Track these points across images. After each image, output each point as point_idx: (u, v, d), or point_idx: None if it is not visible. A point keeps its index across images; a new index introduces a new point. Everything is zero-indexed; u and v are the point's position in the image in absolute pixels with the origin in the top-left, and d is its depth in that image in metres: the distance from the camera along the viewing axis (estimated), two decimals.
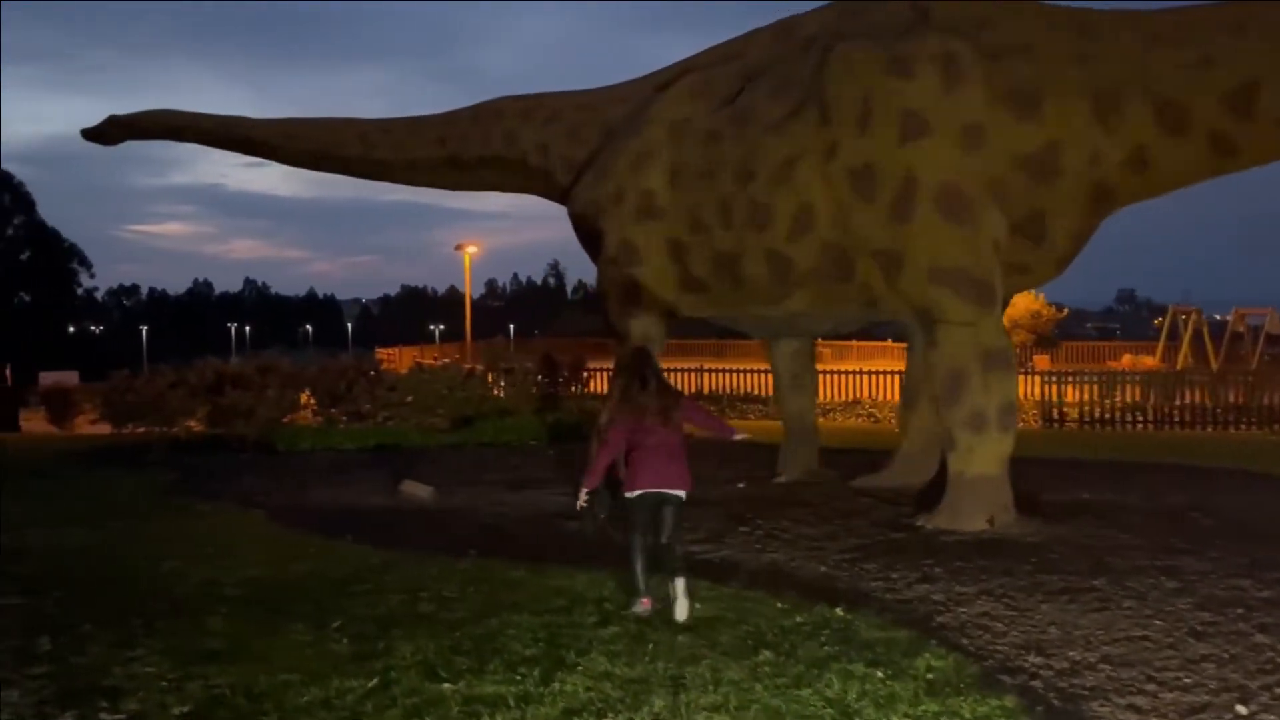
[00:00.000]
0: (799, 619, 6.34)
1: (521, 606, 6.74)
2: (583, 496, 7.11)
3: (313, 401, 19.41)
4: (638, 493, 6.79)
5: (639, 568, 6.72)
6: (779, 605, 6.65)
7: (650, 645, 5.85)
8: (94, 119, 15.64)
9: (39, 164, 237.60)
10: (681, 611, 6.39)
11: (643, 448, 6.77)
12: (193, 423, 19.06)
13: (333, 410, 18.39)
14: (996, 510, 8.84)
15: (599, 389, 20.66)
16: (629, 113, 11.32)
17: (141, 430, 18.51)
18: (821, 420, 22.61)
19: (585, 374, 18.50)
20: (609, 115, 11.62)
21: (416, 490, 11.31)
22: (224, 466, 14.51)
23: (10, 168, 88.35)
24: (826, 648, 5.76)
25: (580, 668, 5.49)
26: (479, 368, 17.60)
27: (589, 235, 11.32)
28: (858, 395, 26.05)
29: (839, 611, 6.46)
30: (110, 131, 14.79)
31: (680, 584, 6.47)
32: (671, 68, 11.53)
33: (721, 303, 10.61)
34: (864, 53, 9.21)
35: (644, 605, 6.59)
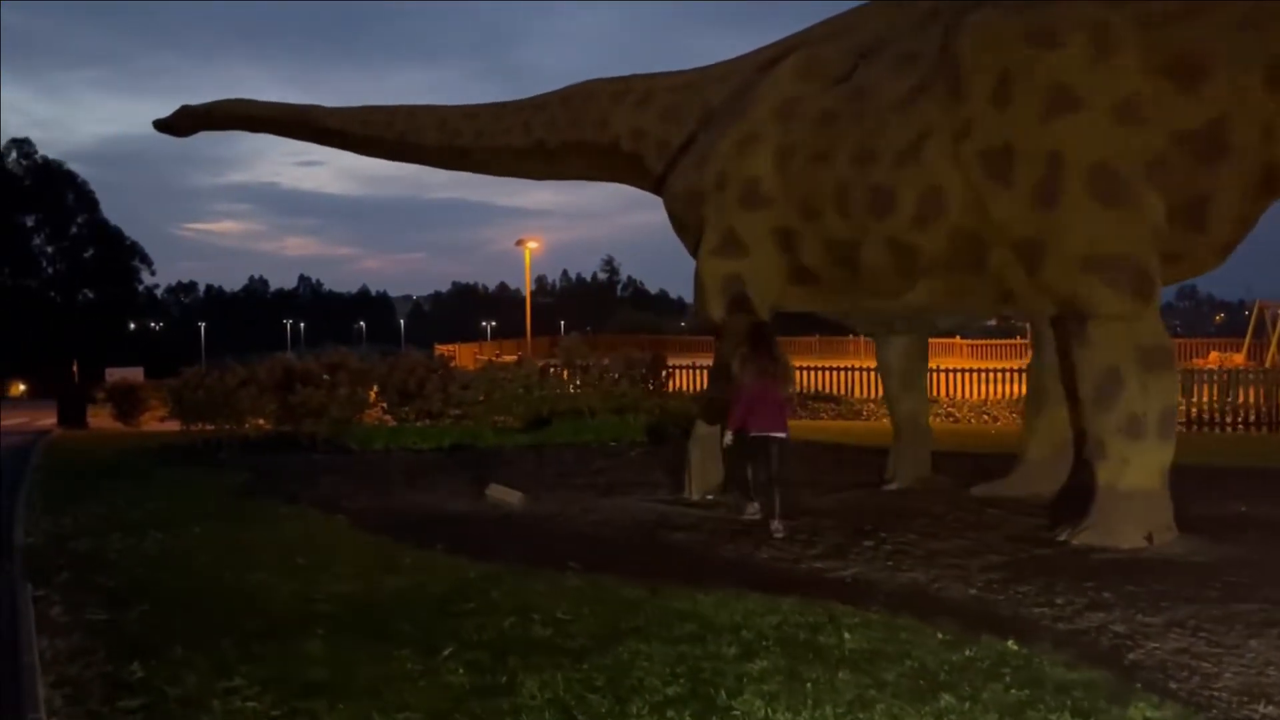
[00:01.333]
0: (969, 653, 5.58)
1: (647, 633, 6.06)
2: (728, 437, 9.41)
3: (381, 400, 19.00)
4: (751, 434, 9.20)
5: (750, 486, 9.56)
6: (940, 636, 5.89)
7: (808, 684, 5.13)
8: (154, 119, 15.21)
9: (102, 164, 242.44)
10: (779, 532, 8.88)
11: (757, 401, 9.08)
12: (261, 420, 18.75)
13: (403, 409, 17.94)
14: (1155, 527, 7.99)
15: (680, 387, 19.95)
16: (731, 93, 10.61)
17: (210, 428, 18.23)
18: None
19: (665, 373, 17.81)
20: (708, 97, 10.92)
21: (504, 495, 10.70)
22: (298, 466, 14.07)
23: (75, 168, 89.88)
24: (1014, 691, 5.00)
25: (736, 712, 4.80)
26: (555, 365, 16.98)
27: (687, 225, 10.62)
28: (934, 394, 25.18)
29: (1012, 645, 5.69)
30: (182, 122, 14.40)
31: (778, 523, 9.00)
32: (775, 45, 10.78)
33: (834, 296, 9.87)
34: (1002, 22, 8.40)
35: (754, 508, 9.48)
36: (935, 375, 25.78)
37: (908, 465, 10.89)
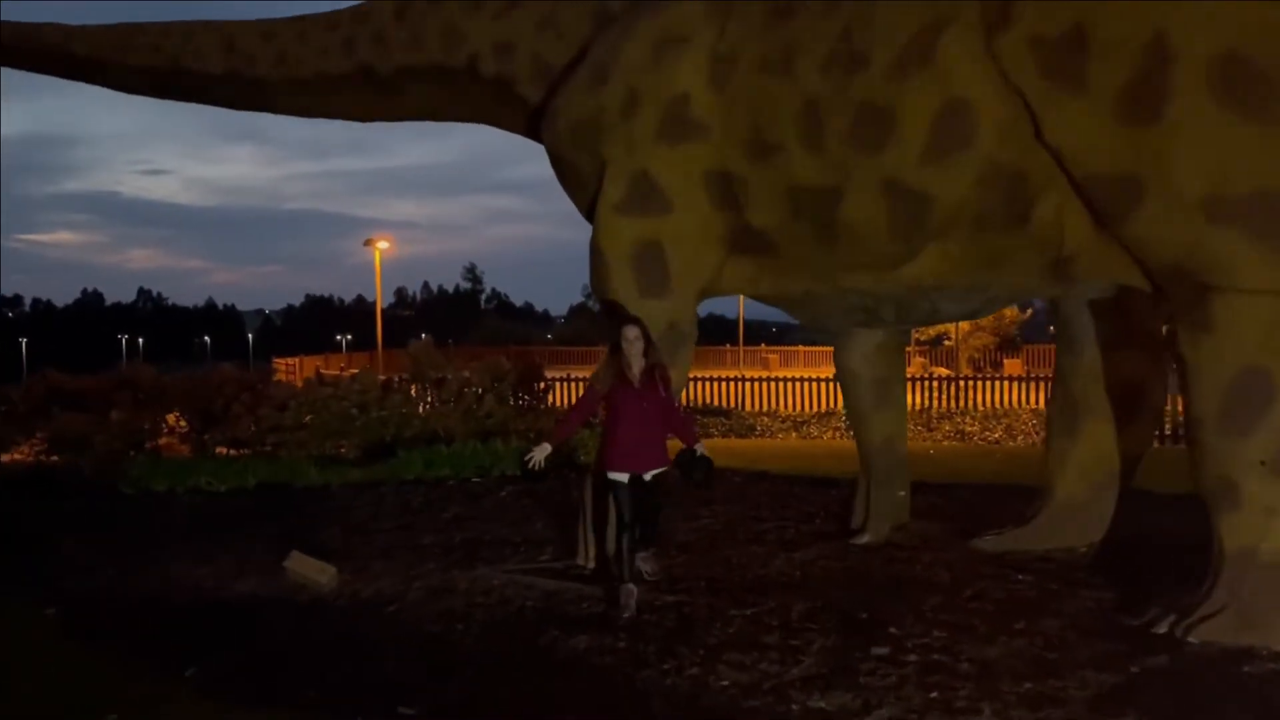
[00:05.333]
0: None
1: None
2: (538, 455, 6.26)
3: (182, 424, 15.05)
4: (613, 475, 6.29)
5: (624, 554, 6.26)
6: None
7: None
8: None
9: None
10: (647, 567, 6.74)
11: (620, 416, 6.28)
12: (17, 454, 14.58)
13: (205, 436, 14.07)
14: None
15: (563, 403, 16.66)
16: None
17: None
18: (798, 437, 19.34)
19: (543, 386, 14.51)
20: None
21: (309, 571, 7.23)
22: (39, 521, 10.17)
23: None
24: None
25: None
26: (401, 379, 13.49)
27: (578, 171, 7.40)
28: (830, 405, 22.75)
29: None
30: None
31: (644, 555, 6.68)
32: None
33: (796, 271, 6.82)
34: None
35: (632, 595, 6.19)
36: (823, 385, 23.39)
37: (883, 509, 7.92)
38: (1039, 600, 6.20)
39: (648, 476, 6.25)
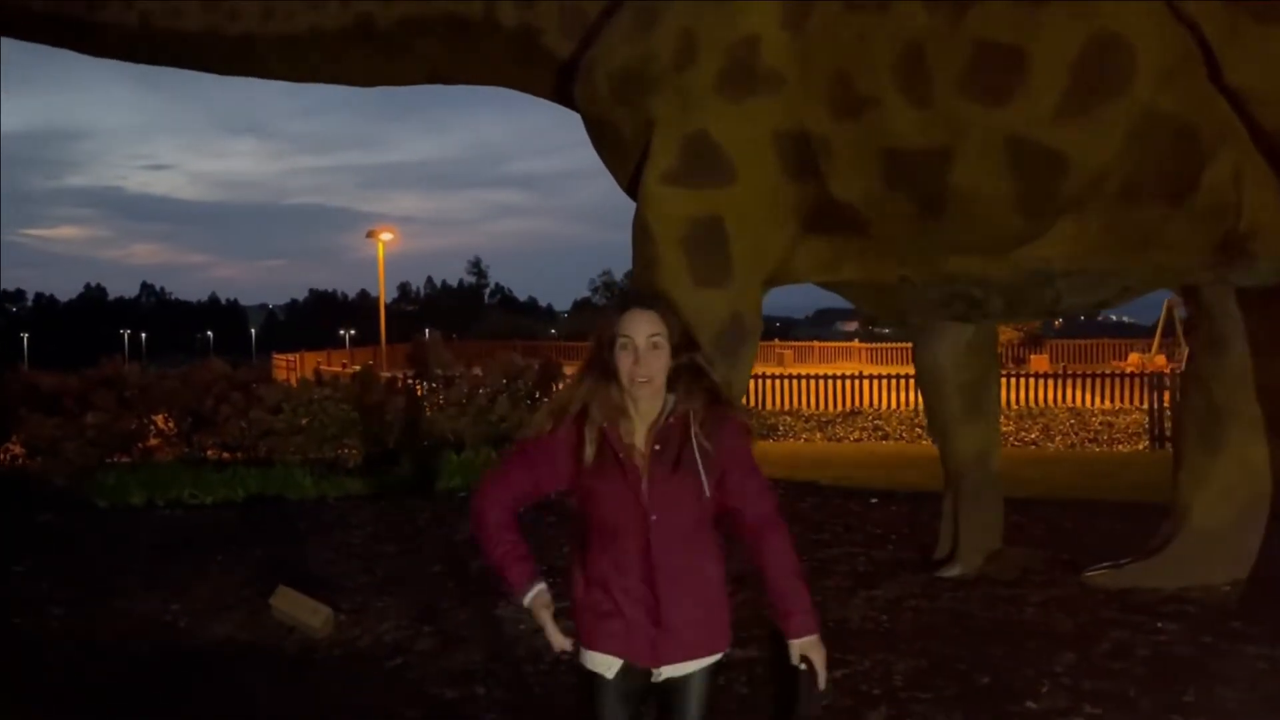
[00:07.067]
0: None
1: None
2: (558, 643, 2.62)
3: (171, 426, 13.91)
4: (600, 660, 2.60)
5: None
6: None
7: None
8: None
9: None
10: None
11: (598, 525, 2.62)
12: None
13: (193, 439, 12.93)
14: None
15: None
16: None
17: None
18: (823, 439, 18.16)
19: (560, 386, 13.38)
20: None
21: (299, 611, 6.07)
22: (3, 536, 9.07)
23: None
24: None
25: None
26: (406, 376, 12.31)
27: (619, 134, 6.19)
28: (858, 403, 21.60)
29: None
30: None
31: None
32: None
33: (889, 254, 5.62)
34: None
35: None
36: (861, 382, 22.23)
37: (974, 535, 6.75)
38: (1197, 659, 5.03)
39: (664, 675, 2.61)
